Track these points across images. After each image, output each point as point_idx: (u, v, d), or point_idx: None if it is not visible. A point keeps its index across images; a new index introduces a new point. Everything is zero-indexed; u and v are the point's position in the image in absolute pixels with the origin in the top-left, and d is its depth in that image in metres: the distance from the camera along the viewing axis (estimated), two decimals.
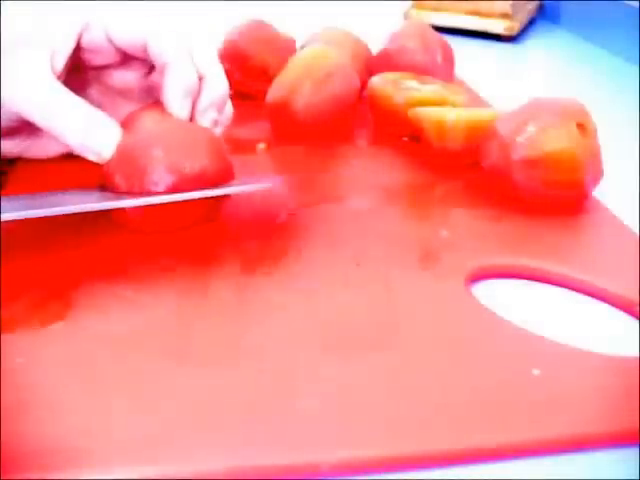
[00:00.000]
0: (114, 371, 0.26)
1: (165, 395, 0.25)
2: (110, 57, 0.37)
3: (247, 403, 0.25)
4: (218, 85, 0.36)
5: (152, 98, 0.40)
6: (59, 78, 0.35)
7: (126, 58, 0.38)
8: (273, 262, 0.34)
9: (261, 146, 0.46)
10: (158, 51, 0.35)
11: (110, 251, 0.34)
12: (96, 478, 0.22)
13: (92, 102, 0.38)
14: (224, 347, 0.28)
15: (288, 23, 0.60)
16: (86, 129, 0.34)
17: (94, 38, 0.36)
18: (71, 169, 0.40)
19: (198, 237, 0.35)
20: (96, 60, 0.38)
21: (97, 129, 0.34)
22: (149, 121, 0.35)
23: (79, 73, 0.38)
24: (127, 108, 0.38)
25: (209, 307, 0.30)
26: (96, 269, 0.33)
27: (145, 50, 0.35)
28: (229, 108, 0.39)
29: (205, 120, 0.36)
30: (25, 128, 0.38)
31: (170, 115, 0.35)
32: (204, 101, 0.36)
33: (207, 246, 0.35)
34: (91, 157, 0.34)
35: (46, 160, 0.41)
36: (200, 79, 0.36)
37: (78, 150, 0.34)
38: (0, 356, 0.26)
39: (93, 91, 0.40)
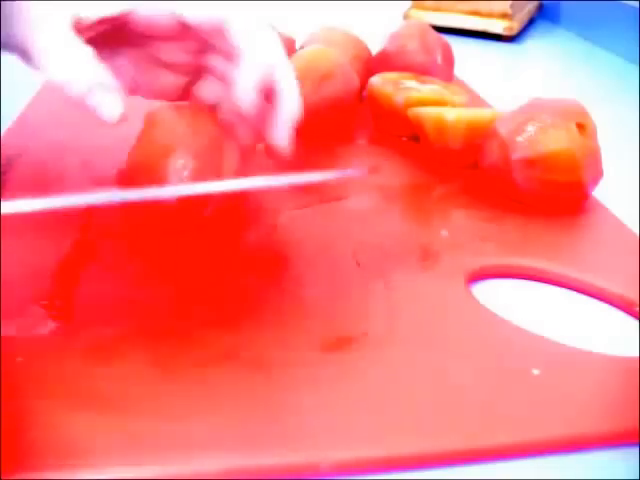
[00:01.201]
0: (114, 371, 0.26)
1: (165, 395, 0.25)
2: (166, 32, 0.36)
3: (247, 403, 0.25)
4: (293, 105, 0.35)
5: (197, 78, 0.38)
6: (88, 29, 0.33)
7: (182, 35, 0.36)
8: (272, 263, 0.34)
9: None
10: (237, 35, 0.33)
11: (108, 253, 0.34)
12: (96, 478, 0.22)
13: (131, 60, 0.37)
14: (223, 347, 0.28)
15: (288, 23, 0.60)
16: (89, 88, 0.32)
17: (154, 18, 0.34)
18: (71, 169, 0.40)
19: (196, 237, 0.35)
20: (146, 32, 0.36)
21: (100, 92, 0.32)
22: (166, 131, 0.34)
23: (124, 31, 0.36)
24: (169, 80, 0.37)
25: (208, 308, 0.30)
26: (94, 270, 0.33)
27: (221, 32, 0.34)
28: None
29: (282, 137, 0.35)
30: None
31: (190, 121, 0.34)
32: (283, 119, 0.35)
33: (205, 247, 0.35)
34: (100, 115, 0.33)
35: (46, 161, 0.41)
36: (276, 93, 0.35)
37: (80, 106, 0.33)
38: (0, 356, 0.26)
39: (135, 52, 0.38)
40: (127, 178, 0.34)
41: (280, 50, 0.35)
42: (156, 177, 0.33)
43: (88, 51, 0.33)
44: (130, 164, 0.34)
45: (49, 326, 0.28)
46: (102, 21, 0.34)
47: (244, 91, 0.33)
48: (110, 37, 0.35)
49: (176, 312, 0.30)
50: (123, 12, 0.34)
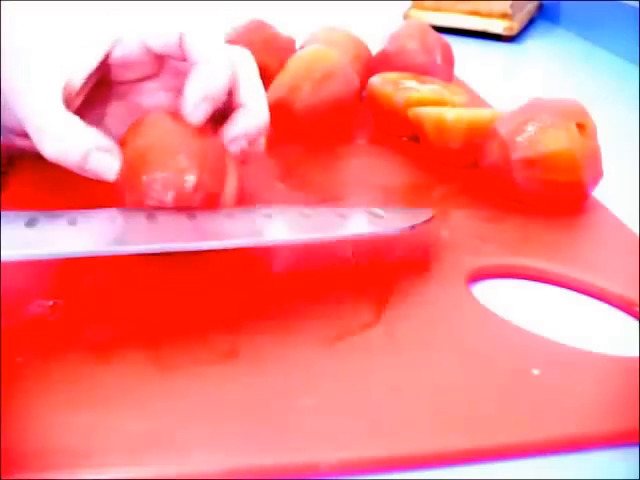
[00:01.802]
0: (114, 371, 0.26)
1: (165, 395, 0.25)
2: (143, 70, 0.37)
3: (247, 403, 0.25)
4: (257, 117, 0.35)
5: None
6: (77, 95, 0.34)
7: (159, 70, 0.37)
8: (271, 262, 0.34)
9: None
10: (192, 47, 0.33)
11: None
12: (96, 478, 0.22)
13: (117, 117, 0.37)
14: (224, 346, 0.28)
15: (288, 23, 0.60)
16: (83, 157, 0.32)
17: (127, 52, 0.35)
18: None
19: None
20: (127, 75, 0.37)
21: (95, 155, 0.32)
22: (148, 132, 0.33)
23: (105, 87, 0.37)
24: None
25: (208, 308, 0.30)
26: (95, 269, 0.33)
27: (181, 50, 0.34)
28: (262, 141, 0.37)
29: (233, 148, 0.34)
30: None
31: (176, 125, 0.33)
32: (237, 129, 0.34)
33: (203, 256, 0.35)
34: (94, 177, 0.33)
35: (46, 160, 0.41)
36: (239, 106, 0.35)
37: (77, 172, 0.33)
38: (0, 356, 0.26)
39: (119, 107, 0.39)
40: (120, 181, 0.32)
41: (245, 61, 0.35)
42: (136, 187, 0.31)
43: (75, 120, 0.32)
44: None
45: (49, 326, 0.28)
46: (87, 80, 0.34)
47: (189, 104, 0.33)
48: (95, 97, 0.36)
49: (176, 311, 0.30)
50: (101, 59, 0.34)
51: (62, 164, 0.33)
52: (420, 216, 0.34)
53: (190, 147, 0.32)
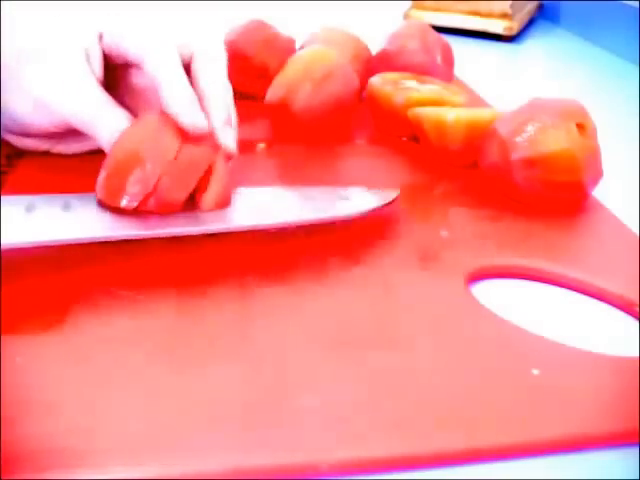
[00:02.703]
0: (113, 371, 0.26)
1: (165, 395, 0.25)
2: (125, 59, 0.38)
3: (247, 403, 0.25)
4: (221, 104, 0.37)
5: None
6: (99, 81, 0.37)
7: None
8: (273, 263, 0.34)
9: (261, 146, 0.46)
10: (151, 71, 0.36)
11: (109, 252, 0.34)
12: (96, 478, 0.22)
13: (118, 101, 0.38)
14: (224, 347, 0.28)
15: (288, 23, 0.60)
16: (117, 131, 0.35)
17: (108, 45, 0.38)
18: (71, 167, 0.40)
19: (199, 238, 0.35)
20: (115, 60, 0.39)
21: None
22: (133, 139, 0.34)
23: (107, 72, 0.39)
24: (147, 109, 0.39)
25: (209, 308, 0.30)
26: (95, 270, 0.33)
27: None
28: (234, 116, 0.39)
29: (228, 140, 0.36)
30: (60, 132, 0.39)
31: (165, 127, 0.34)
32: (218, 120, 0.36)
33: (208, 247, 0.35)
34: None
35: (46, 159, 0.41)
36: (201, 98, 0.36)
37: (107, 149, 0.36)
38: (0, 356, 0.26)
39: (119, 91, 0.40)
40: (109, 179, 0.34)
41: (202, 56, 0.37)
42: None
43: (112, 102, 0.36)
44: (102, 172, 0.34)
45: (49, 326, 0.28)
46: (102, 69, 0.38)
47: (182, 115, 0.34)
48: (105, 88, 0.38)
49: (176, 313, 0.30)
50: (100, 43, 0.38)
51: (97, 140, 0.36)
52: (385, 197, 0.36)
53: (155, 150, 0.33)
